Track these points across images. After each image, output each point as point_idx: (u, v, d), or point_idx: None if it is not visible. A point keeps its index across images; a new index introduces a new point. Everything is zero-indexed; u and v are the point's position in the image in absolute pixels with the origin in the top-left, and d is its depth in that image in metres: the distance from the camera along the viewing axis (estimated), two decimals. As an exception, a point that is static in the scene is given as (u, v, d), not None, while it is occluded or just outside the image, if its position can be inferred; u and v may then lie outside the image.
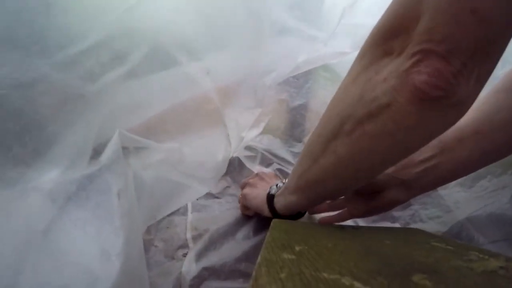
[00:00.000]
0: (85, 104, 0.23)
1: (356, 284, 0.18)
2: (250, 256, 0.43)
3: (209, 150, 0.36)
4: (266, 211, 0.41)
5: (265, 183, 0.45)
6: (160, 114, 0.31)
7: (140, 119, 0.29)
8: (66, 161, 0.22)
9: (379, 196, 0.37)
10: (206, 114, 0.36)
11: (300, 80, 0.57)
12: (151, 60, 0.27)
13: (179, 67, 0.30)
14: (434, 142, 0.33)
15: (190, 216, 0.51)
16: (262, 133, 0.60)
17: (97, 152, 0.24)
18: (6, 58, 0.19)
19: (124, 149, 0.28)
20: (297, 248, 0.25)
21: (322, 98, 0.58)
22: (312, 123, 0.62)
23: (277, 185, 0.41)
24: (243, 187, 0.49)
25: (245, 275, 0.40)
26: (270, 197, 0.39)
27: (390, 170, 0.36)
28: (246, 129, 0.44)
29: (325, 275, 0.19)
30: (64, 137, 0.22)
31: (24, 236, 0.17)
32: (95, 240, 0.20)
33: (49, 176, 0.20)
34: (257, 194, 0.43)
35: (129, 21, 0.24)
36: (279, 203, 0.38)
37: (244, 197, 0.46)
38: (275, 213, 0.39)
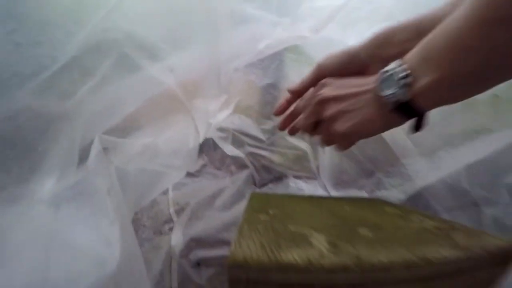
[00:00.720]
0: (65, 120, 0.26)
1: (313, 233, 0.25)
2: (229, 226, 0.50)
3: (180, 139, 0.41)
4: (389, 125, 0.32)
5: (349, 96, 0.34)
6: (132, 114, 0.35)
7: (115, 121, 0.33)
8: (58, 172, 0.26)
9: (364, 74, 0.37)
10: (174, 108, 0.40)
11: (266, 62, 0.60)
12: (118, 68, 0.30)
13: (145, 70, 0.33)
14: (413, 27, 0.34)
15: (171, 193, 0.57)
16: (233, 113, 0.64)
17: (82, 158, 0.28)
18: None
19: (105, 149, 0.32)
20: (271, 212, 0.33)
21: (289, 77, 0.62)
22: (277, 102, 0.66)
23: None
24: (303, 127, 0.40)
25: (227, 243, 0.48)
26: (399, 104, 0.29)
27: (371, 49, 0.37)
28: (214, 115, 0.48)
29: (291, 227, 0.26)
30: (53, 153, 0.25)
31: (39, 239, 0.22)
32: (97, 232, 0.25)
33: (47, 187, 0.24)
34: (359, 112, 0.33)
35: (95, 36, 0.26)
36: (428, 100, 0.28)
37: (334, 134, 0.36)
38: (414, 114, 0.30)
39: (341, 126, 0.35)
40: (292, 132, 0.45)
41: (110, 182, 0.29)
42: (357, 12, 0.48)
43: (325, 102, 0.36)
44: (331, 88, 0.36)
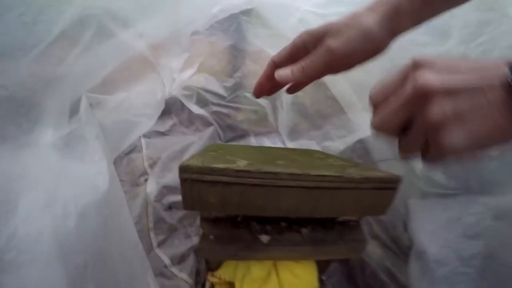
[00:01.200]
0: (58, 82, 0.35)
1: (241, 159, 0.36)
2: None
3: (149, 92, 0.50)
4: None
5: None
6: (110, 75, 0.43)
7: (97, 81, 0.42)
8: (55, 123, 0.35)
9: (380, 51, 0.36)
10: (145, 67, 0.49)
11: (225, 24, 0.68)
12: (98, 37, 0.38)
13: (119, 37, 0.42)
14: None
15: (144, 151, 0.67)
16: (197, 72, 0.73)
17: (72, 112, 0.37)
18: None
19: (90, 104, 0.41)
20: (219, 151, 0.44)
21: (247, 38, 0.71)
22: (240, 60, 0.76)
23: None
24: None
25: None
26: None
27: (387, 22, 0.34)
28: (177, 71, 0.57)
29: (227, 157, 0.38)
30: (49, 109, 0.34)
31: (50, 172, 0.31)
32: (90, 166, 0.35)
33: (48, 135, 0.34)
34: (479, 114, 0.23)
35: (79, 12, 0.34)
36: None
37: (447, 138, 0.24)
38: None
39: (456, 137, 0.24)
40: (379, 128, 0.29)
41: (96, 130, 0.39)
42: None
43: (430, 94, 0.25)
44: (437, 72, 0.25)
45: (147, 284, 0.37)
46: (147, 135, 0.68)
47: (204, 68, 0.75)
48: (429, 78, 0.25)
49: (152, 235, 0.52)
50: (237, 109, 0.74)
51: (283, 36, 0.63)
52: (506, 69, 0.23)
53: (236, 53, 0.74)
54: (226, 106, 0.73)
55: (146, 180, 0.62)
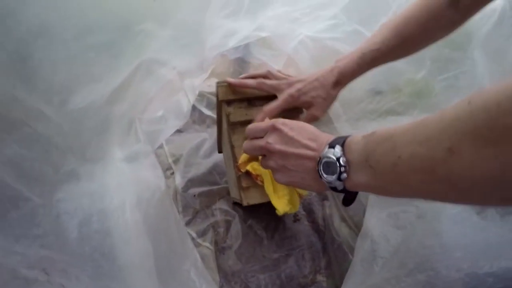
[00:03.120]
0: (118, 110, 0.50)
1: None
2: (211, 170, 0.79)
3: (178, 108, 0.64)
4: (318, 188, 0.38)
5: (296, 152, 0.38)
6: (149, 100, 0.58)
7: (143, 106, 0.56)
8: (120, 142, 0.50)
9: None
10: (174, 88, 0.63)
11: (237, 43, 0.81)
12: (144, 75, 0.52)
13: (159, 72, 0.56)
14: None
15: (166, 148, 0.83)
16: (209, 77, 0.87)
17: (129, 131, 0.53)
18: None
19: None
20: None
21: (253, 54, 0.84)
22: (246, 70, 0.90)
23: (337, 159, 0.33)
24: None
25: (211, 183, 0.77)
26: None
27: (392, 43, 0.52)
28: (198, 88, 0.71)
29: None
30: (115, 131, 0.49)
31: (127, 178, 0.47)
32: (153, 173, 0.51)
33: (118, 153, 0.49)
34: (298, 173, 0.39)
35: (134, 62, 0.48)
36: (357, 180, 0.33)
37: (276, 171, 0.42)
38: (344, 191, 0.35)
39: (281, 178, 0.41)
40: (245, 151, 0.49)
41: (151, 147, 0.55)
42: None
43: (271, 152, 0.41)
44: (280, 139, 0.40)
45: (190, 248, 0.55)
46: (167, 133, 0.84)
47: (214, 73, 0.90)
48: (274, 144, 0.40)
49: (181, 216, 0.69)
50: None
51: (284, 55, 0.77)
52: (324, 148, 0.35)
53: (243, 64, 0.88)
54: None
55: (172, 173, 0.78)
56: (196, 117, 0.92)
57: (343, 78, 0.55)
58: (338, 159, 0.33)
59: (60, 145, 0.40)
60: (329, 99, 0.56)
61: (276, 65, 0.79)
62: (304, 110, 0.61)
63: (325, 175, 0.35)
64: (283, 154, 0.39)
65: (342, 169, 0.33)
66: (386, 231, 0.53)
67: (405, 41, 0.53)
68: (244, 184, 0.59)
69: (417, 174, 0.27)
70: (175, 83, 0.64)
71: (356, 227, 0.67)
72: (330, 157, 0.34)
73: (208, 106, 0.90)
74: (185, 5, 0.52)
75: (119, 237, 0.41)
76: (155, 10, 0.49)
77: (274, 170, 0.42)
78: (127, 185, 0.46)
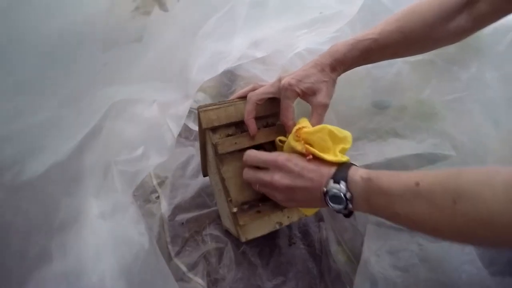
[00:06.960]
0: (92, 154, 0.44)
1: None
2: (200, 192, 0.74)
3: (161, 144, 0.58)
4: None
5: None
6: (128, 137, 0.52)
7: (119, 147, 0.50)
8: (96, 193, 0.45)
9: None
10: (156, 122, 0.57)
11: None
12: (118, 115, 0.46)
13: (136, 108, 0.49)
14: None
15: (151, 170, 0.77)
16: (197, 91, 0.80)
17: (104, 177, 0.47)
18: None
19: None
20: None
21: (244, 67, 0.77)
22: (236, 83, 0.83)
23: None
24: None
25: (200, 206, 0.72)
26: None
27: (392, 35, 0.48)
28: (184, 117, 0.65)
29: None
30: (89, 179, 0.44)
31: (104, 235, 0.42)
32: (134, 229, 0.46)
33: (94, 207, 0.44)
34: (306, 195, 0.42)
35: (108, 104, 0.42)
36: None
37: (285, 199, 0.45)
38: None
39: (287, 204, 0.48)
40: (245, 179, 0.50)
41: (130, 197, 0.49)
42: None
43: (277, 189, 0.44)
44: (286, 175, 0.42)
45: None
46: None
47: (201, 87, 0.83)
48: (279, 181, 0.42)
49: (170, 247, 0.66)
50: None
51: (278, 68, 0.70)
52: (329, 182, 0.39)
53: (233, 77, 0.81)
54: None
55: (157, 197, 0.73)
56: (181, 129, 0.86)
57: (336, 63, 0.50)
58: (344, 194, 0.38)
59: (22, 227, 0.35)
60: (331, 83, 0.51)
61: (268, 78, 0.72)
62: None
63: (332, 204, 0.39)
64: (291, 189, 0.42)
65: (349, 202, 0.38)
66: (386, 273, 0.51)
67: (405, 37, 0.49)
68: (241, 222, 0.54)
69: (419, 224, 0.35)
70: (155, 116, 0.58)
71: (353, 254, 0.64)
72: (336, 193, 0.38)
73: (195, 121, 0.84)
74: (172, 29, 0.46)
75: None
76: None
77: (282, 201, 0.46)
78: (106, 252, 0.41)
